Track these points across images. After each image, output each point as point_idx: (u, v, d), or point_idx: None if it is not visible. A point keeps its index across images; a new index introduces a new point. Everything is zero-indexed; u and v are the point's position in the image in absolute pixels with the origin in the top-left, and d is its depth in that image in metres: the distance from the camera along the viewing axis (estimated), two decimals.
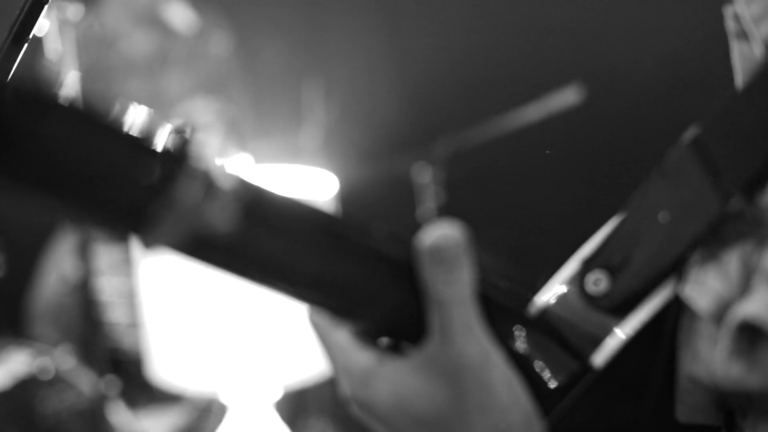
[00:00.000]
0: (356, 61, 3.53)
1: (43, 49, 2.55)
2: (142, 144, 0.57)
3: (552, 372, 0.73)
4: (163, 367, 2.60)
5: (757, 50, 0.71)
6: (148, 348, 2.67)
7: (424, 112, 3.43)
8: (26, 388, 2.82)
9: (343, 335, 0.73)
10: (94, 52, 3.31)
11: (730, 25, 0.76)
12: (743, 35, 0.75)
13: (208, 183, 0.57)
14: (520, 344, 0.73)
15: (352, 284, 0.69)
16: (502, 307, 0.74)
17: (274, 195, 0.64)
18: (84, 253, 2.98)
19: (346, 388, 0.74)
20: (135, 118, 0.57)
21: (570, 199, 3.09)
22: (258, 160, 2.80)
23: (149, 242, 0.58)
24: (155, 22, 3.45)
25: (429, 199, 3.01)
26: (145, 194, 0.56)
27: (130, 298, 2.96)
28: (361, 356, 0.72)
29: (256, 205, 0.62)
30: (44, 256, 3.27)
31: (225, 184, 0.58)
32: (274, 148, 3.16)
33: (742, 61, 0.76)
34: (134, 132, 0.57)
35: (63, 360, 2.89)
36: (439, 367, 0.70)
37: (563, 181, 3.16)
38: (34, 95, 0.54)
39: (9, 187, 0.56)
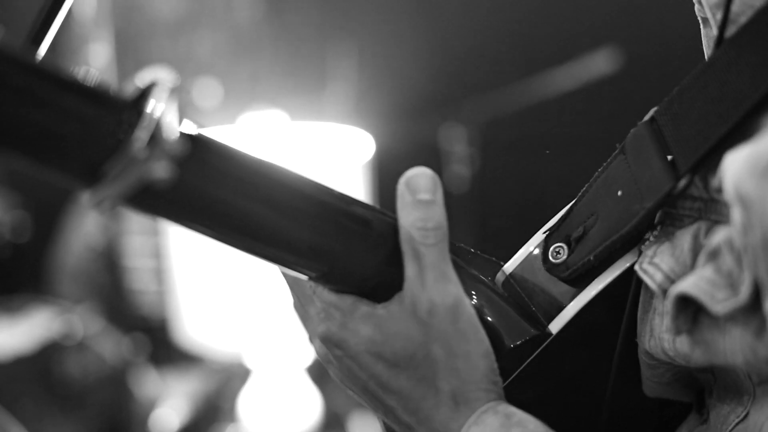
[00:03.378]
0: (386, 19, 3.54)
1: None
2: (99, 97, 0.62)
3: (510, 335, 0.79)
4: (190, 329, 2.67)
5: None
6: (175, 310, 2.73)
7: (455, 73, 3.44)
8: (50, 353, 2.88)
9: (316, 285, 0.79)
10: (124, 16, 3.37)
11: (696, 9, 0.80)
12: (706, 21, 0.78)
13: (156, 137, 0.62)
14: (481, 305, 0.79)
15: (334, 253, 0.75)
16: (466, 270, 0.80)
17: (236, 153, 0.70)
18: (113, 212, 3.04)
19: (320, 329, 0.79)
20: (93, 76, 0.63)
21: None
22: (292, 117, 2.86)
23: (96, 197, 0.63)
24: None
25: (459, 162, 3.03)
26: (98, 146, 0.61)
27: (158, 260, 3.02)
28: (336, 299, 0.78)
29: (207, 160, 0.67)
30: (68, 216, 3.34)
31: (173, 139, 0.63)
32: (306, 106, 3.20)
33: (707, 46, 0.80)
34: (90, 86, 0.62)
35: (88, 321, 2.95)
36: (414, 311, 0.76)
37: (595, 151, 3.16)
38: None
39: None
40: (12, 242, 3.19)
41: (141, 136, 0.61)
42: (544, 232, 0.82)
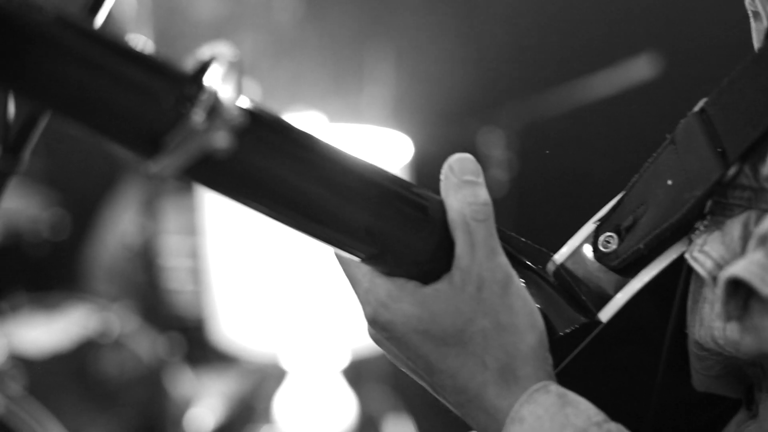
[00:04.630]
0: (425, 22, 3.56)
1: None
2: (160, 69, 0.64)
3: (560, 323, 0.79)
4: (226, 329, 2.68)
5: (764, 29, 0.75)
6: (211, 310, 2.75)
7: (494, 77, 3.44)
8: (86, 350, 2.90)
9: (366, 266, 0.80)
10: (164, 16, 3.40)
11: (747, 3, 0.80)
12: (757, 14, 0.79)
13: (216, 109, 0.63)
14: (531, 294, 0.80)
15: (384, 234, 0.76)
16: (516, 257, 0.81)
17: (292, 127, 0.71)
18: (149, 211, 3.08)
19: (368, 310, 0.80)
20: (153, 49, 0.65)
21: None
22: (331, 119, 2.88)
23: (156, 166, 0.65)
24: None
25: (497, 166, 3.04)
26: (159, 117, 0.63)
27: (194, 260, 3.04)
28: (383, 281, 0.79)
29: (264, 132, 0.68)
30: (105, 214, 3.37)
31: (232, 111, 0.64)
32: (344, 108, 3.22)
33: (756, 39, 0.81)
34: (154, 59, 0.64)
35: (124, 320, 2.97)
36: (463, 286, 0.77)
37: (635, 157, 3.15)
38: (64, 16, 0.61)
39: (32, 95, 0.63)
40: (50, 240, 3.22)
41: (201, 108, 0.63)
42: (595, 222, 0.83)
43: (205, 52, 0.65)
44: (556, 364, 0.79)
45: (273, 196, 0.71)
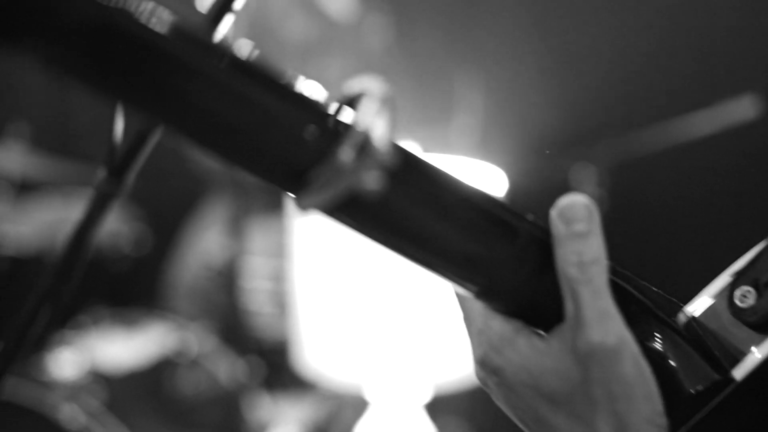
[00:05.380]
0: (517, 52, 3.53)
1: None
2: (308, 103, 0.62)
3: (691, 379, 0.76)
4: (309, 355, 2.66)
5: None
6: (294, 335, 2.73)
7: (587, 113, 3.41)
8: (163, 369, 2.92)
9: (482, 304, 0.77)
10: (256, 38, 3.42)
11: None
12: None
13: (367, 147, 0.62)
14: (660, 347, 0.77)
15: (498, 268, 0.74)
16: (647, 307, 0.78)
17: (433, 167, 0.70)
18: (234, 231, 3.08)
19: (478, 352, 0.78)
20: (304, 82, 0.63)
21: (739, 220, 3.03)
22: (424, 149, 2.85)
23: (304, 202, 0.63)
24: (315, 10, 3.53)
25: None
26: (305, 151, 0.62)
27: (279, 283, 3.03)
28: (498, 324, 0.76)
29: (411, 173, 0.67)
30: (187, 232, 3.38)
31: (383, 150, 0.62)
32: (432, 138, 3.20)
33: None
34: (302, 91, 0.62)
35: (202, 340, 2.98)
36: (572, 351, 0.73)
37: (732, 199, 3.11)
38: (214, 43, 0.60)
39: (173, 126, 0.61)
40: (131, 255, 3.24)
41: (350, 145, 0.61)
42: (731, 275, 0.79)
43: (354, 85, 0.64)
44: (682, 423, 0.76)
45: (411, 237, 0.70)
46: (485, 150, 3.16)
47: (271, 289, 3.09)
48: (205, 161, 3.13)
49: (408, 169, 0.66)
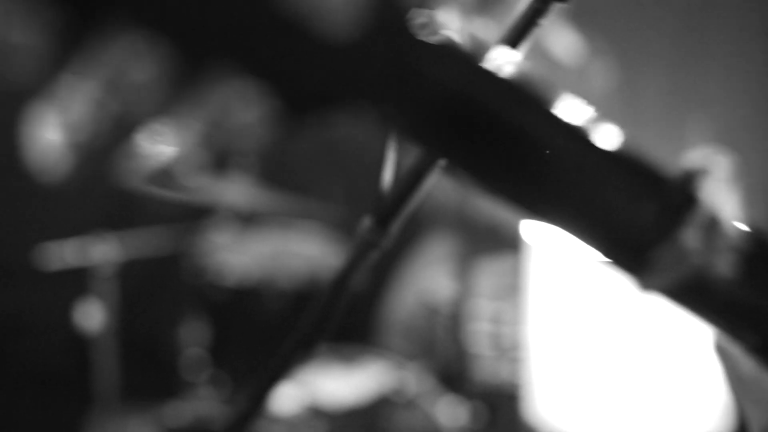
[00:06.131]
0: (749, 98, 3.42)
1: None
2: (651, 178, 0.56)
3: None
4: (541, 404, 2.60)
5: None
6: (525, 381, 2.68)
7: None
8: (380, 407, 2.91)
9: (754, 365, 0.70)
10: None
11: None
12: None
13: (716, 228, 0.56)
14: None
15: None
16: None
17: None
18: (461, 271, 3.04)
19: (757, 422, 0.72)
20: (637, 148, 0.57)
21: None
22: None
23: (646, 283, 0.57)
24: (539, 51, 3.50)
25: None
26: (646, 229, 0.56)
27: (500, 326, 2.98)
28: None
29: (758, 258, 0.60)
30: (405, 267, 3.36)
31: (731, 233, 0.57)
32: None
33: None
34: (641, 163, 0.56)
35: (420, 379, 2.95)
36: None
37: None
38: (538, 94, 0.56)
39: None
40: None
41: (695, 225, 0.56)
42: None
43: (695, 157, 0.58)
44: None
45: (750, 324, 0.62)
46: None
47: (493, 331, 3.04)
48: (436, 197, 3.10)
49: (762, 255, 0.60)
